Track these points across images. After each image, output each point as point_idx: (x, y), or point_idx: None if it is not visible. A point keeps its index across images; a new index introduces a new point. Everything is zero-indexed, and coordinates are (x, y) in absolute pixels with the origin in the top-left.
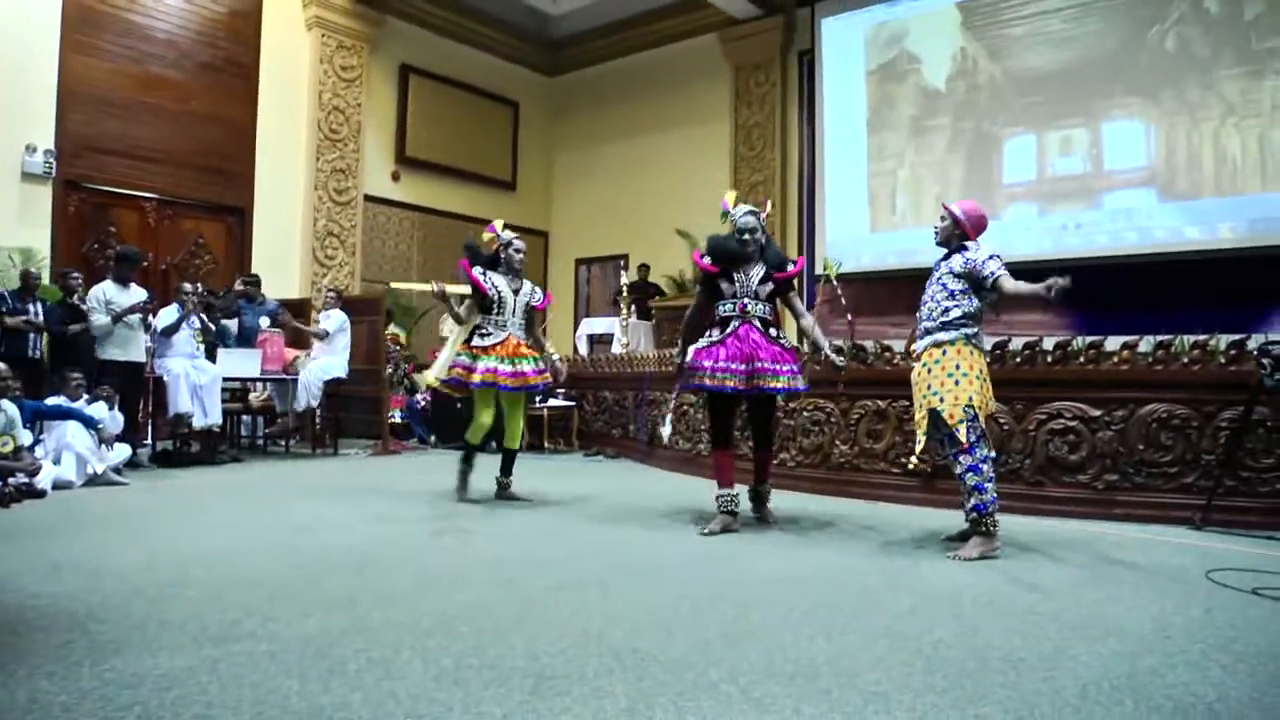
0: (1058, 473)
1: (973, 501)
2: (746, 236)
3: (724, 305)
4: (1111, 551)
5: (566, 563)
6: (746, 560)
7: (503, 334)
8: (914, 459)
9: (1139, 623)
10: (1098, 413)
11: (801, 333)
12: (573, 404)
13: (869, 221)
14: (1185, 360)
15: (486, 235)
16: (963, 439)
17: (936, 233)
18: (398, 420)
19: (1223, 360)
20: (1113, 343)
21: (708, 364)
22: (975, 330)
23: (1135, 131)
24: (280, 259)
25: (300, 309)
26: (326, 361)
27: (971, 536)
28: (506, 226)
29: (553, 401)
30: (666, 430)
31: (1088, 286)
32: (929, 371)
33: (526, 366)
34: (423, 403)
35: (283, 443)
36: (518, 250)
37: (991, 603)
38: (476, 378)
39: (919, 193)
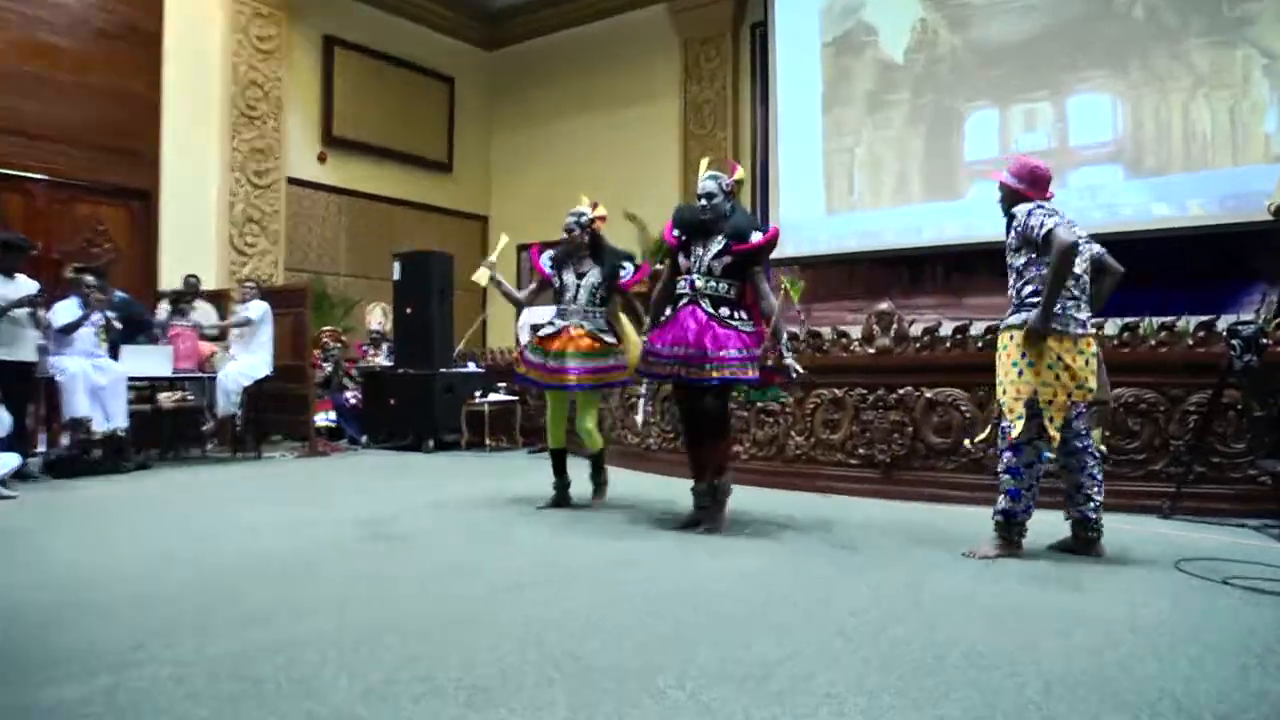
0: None
1: (1002, 504)
2: (704, 202)
3: (680, 282)
4: None
5: (505, 566)
6: (695, 558)
7: (564, 323)
8: (970, 442)
9: (1105, 616)
10: None
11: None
12: (515, 399)
13: (825, 202)
14: (1152, 342)
15: None
16: (1013, 434)
17: (1003, 211)
18: (329, 423)
19: (1191, 342)
20: None
21: (653, 348)
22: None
23: (1101, 105)
24: (193, 247)
25: (217, 300)
26: (247, 362)
27: (993, 538)
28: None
29: (494, 396)
30: (640, 415)
31: None
32: (999, 360)
33: (574, 363)
34: (353, 400)
35: (198, 447)
36: (563, 227)
37: (952, 598)
38: (520, 369)
39: (877, 171)
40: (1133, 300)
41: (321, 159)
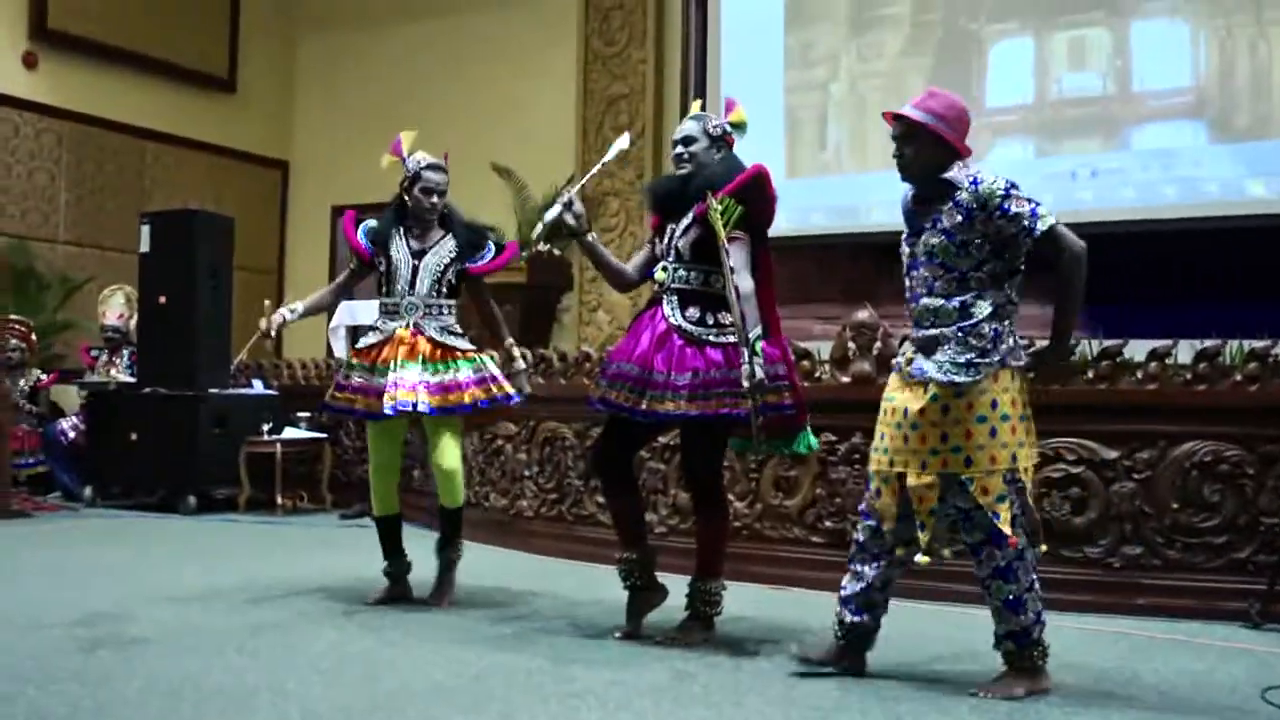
0: (1055, 544)
1: (1005, 625)
2: (680, 149)
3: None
4: (1128, 661)
5: (299, 689)
6: (587, 677)
7: (393, 324)
8: (923, 557)
9: None
10: (1113, 454)
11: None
12: (323, 436)
13: (785, 161)
14: (1239, 376)
15: (386, 161)
16: (1003, 525)
17: (901, 168)
18: (31, 466)
19: None
20: (1136, 348)
21: (605, 367)
22: (1014, 343)
23: (1178, 36)
24: None
25: None
26: None
27: (1009, 672)
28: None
29: (291, 433)
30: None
31: (1103, 263)
32: (944, 413)
33: (412, 376)
34: (71, 434)
35: None
36: (428, 187)
37: None
38: (334, 397)
39: (861, 119)
40: (1216, 315)
41: (29, 63)
